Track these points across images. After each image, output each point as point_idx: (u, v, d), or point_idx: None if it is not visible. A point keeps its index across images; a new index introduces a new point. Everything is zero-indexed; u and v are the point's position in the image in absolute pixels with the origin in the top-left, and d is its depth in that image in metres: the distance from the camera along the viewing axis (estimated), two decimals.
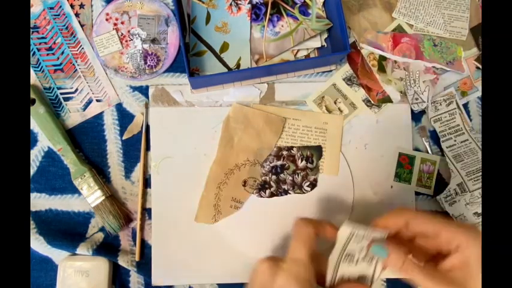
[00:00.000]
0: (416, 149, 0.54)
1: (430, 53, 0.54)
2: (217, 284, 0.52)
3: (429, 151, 0.54)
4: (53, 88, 0.53)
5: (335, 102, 0.54)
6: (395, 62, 0.54)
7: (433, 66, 0.55)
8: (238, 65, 0.53)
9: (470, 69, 0.56)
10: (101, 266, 0.49)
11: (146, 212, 0.52)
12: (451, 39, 0.55)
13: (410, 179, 0.53)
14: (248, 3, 0.54)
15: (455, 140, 0.53)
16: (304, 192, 0.53)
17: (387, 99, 0.54)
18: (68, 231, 0.52)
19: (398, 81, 0.52)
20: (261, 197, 0.52)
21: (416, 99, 0.52)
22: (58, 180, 0.52)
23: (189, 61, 0.52)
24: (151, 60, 0.53)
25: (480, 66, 0.55)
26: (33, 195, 0.52)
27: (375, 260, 0.37)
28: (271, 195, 0.53)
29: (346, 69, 0.55)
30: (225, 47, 0.53)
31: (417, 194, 0.54)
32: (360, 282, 0.37)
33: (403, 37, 0.55)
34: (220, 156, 0.52)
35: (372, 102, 0.54)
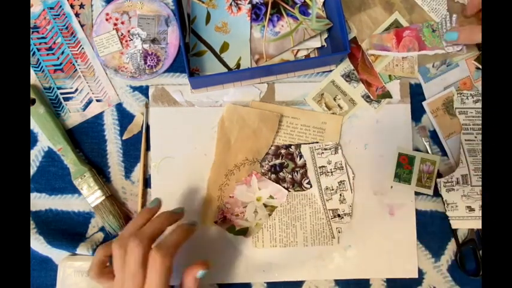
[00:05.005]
0: (416, 149, 0.54)
1: (430, 40, 0.54)
2: (217, 284, 0.52)
3: (429, 151, 0.54)
4: (53, 88, 0.53)
5: (334, 99, 0.54)
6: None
7: (436, 53, 0.55)
8: (238, 65, 0.53)
9: (470, 69, 0.56)
10: None
11: None
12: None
13: (410, 179, 0.53)
14: (248, 3, 0.54)
15: (475, 137, 0.54)
16: (304, 190, 0.53)
17: (387, 95, 0.54)
18: (68, 231, 0.52)
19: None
20: None
21: None
22: (58, 180, 0.52)
23: (189, 61, 0.52)
24: (151, 60, 0.53)
25: (480, 66, 0.55)
26: (33, 195, 0.52)
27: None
28: None
29: (344, 65, 0.55)
30: (225, 47, 0.53)
31: (417, 194, 0.54)
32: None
33: (404, 31, 0.55)
34: (218, 159, 0.52)
35: (372, 98, 0.54)
